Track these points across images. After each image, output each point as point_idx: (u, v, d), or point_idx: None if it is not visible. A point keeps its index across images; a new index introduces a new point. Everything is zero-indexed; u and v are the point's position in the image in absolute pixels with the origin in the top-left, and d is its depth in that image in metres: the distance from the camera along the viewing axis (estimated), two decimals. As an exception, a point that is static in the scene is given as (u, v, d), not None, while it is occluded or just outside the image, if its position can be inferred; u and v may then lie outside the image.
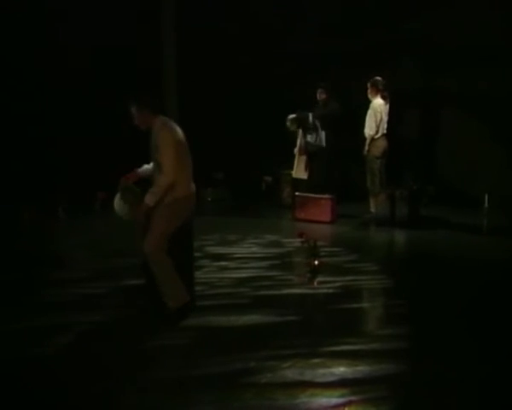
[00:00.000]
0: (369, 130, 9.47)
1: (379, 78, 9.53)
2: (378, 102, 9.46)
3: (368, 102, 9.56)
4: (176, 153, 4.94)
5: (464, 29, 10.09)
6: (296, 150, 10.57)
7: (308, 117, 10.33)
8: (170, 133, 5.01)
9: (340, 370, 3.99)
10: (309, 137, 10.39)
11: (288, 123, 10.42)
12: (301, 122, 10.39)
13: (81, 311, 5.38)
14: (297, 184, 10.54)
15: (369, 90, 9.54)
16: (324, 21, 11.27)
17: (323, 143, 10.31)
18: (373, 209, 9.73)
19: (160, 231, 4.92)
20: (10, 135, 10.26)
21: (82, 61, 10.67)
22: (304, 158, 10.47)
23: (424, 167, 11.23)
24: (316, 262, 6.57)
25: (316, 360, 4.15)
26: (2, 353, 4.51)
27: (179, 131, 5.12)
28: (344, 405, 3.53)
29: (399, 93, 10.25)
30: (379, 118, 9.41)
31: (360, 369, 4.00)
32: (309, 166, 10.39)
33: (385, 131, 9.47)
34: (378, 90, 9.50)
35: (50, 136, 10.56)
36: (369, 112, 9.48)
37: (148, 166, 5.32)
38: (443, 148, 11.21)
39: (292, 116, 10.43)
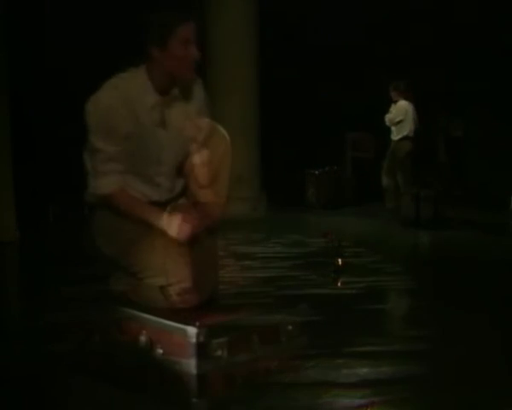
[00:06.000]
0: (395, 132, 9.48)
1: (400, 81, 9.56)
2: (402, 104, 9.46)
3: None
4: None
5: (489, 30, 10.03)
6: None
7: None
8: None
9: (364, 371, 3.98)
10: None
11: None
12: None
13: (103, 307, 5.40)
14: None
15: (392, 94, 9.55)
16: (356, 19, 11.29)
17: None
18: (389, 205, 9.71)
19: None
20: (39, 132, 10.39)
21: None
22: None
23: (451, 168, 11.16)
24: (340, 262, 6.57)
25: (339, 361, 4.14)
26: (24, 348, 4.58)
27: None
28: (366, 406, 3.53)
29: (426, 94, 10.20)
30: (399, 118, 9.41)
31: (383, 370, 3.99)
32: None
33: (411, 134, 9.44)
34: (401, 92, 9.52)
35: (78, 134, 10.66)
36: (394, 113, 9.48)
37: None
38: (470, 149, 11.13)
39: None
